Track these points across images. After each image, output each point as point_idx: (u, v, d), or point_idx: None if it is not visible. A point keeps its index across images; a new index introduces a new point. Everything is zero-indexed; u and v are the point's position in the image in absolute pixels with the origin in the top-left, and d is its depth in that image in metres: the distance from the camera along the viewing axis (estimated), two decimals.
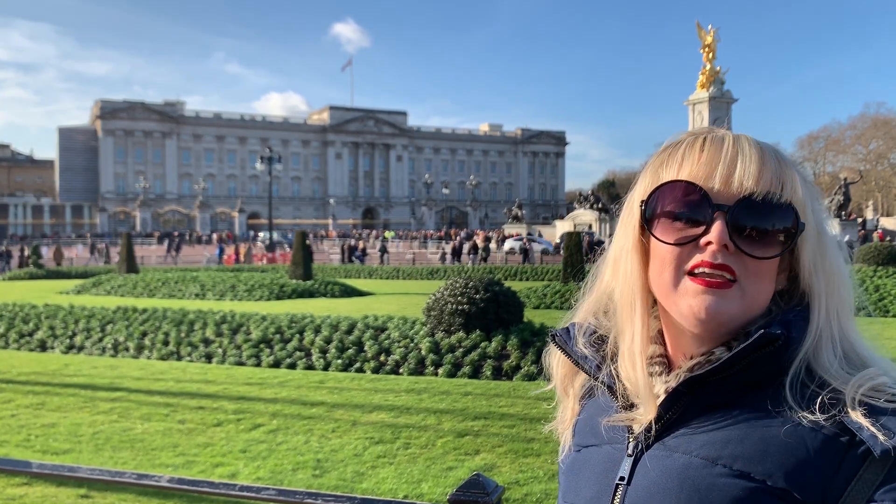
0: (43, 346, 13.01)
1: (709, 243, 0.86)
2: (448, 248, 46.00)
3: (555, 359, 1.09)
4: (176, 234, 79.03)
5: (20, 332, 13.81)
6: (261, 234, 78.51)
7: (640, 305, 0.95)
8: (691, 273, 0.88)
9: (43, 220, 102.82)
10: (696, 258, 0.87)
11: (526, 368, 9.76)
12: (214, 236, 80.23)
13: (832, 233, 0.92)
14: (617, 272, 0.98)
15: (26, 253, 42.17)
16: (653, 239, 0.91)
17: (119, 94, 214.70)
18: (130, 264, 30.04)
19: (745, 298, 0.87)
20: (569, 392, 1.09)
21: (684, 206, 0.88)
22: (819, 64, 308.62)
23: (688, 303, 0.87)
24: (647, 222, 0.92)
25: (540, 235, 58.28)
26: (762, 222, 0.86)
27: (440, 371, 10.04)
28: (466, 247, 45.90)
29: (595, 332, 1.02)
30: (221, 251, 48.22)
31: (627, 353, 0.95)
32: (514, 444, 6.67)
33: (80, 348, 12.68)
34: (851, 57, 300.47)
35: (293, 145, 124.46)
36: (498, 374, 9.86)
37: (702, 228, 0.87)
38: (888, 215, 71.49)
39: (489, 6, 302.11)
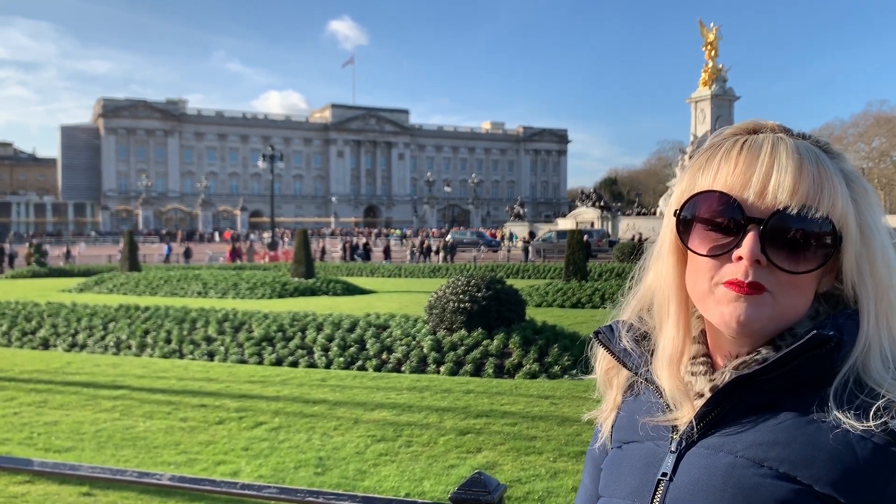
0: (45, 345, 13.02)
1: (740, 258, 0.85)
2: (415, 247, 46.16)
3: (599, 353, 1.09)
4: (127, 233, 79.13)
5: (23, 330, 13.82)
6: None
7: (674, 308, 0.94)
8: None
9: (45, 218, 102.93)
10: (729, 272, 0.86)
11: (528, 366, 9.75)
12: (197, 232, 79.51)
13: (885, 235, 0.89)
14: (658, 272, 0.97)
15: (7, 252, 40.76)
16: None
17: (120, 93, 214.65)
18: (133, 262, 30.06)
19: (776, 307, 0.86)
20: (612, 383, 1.08)
21: (718, 216, 0.87)
22: (821, 61, 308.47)
23: (720, 311, 0.87)
24: (680, 231, 0.91)
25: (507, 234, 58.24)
26: (795, 237, 0.84)
27: (442, 369, 10.04)
28: (436, 245, 46.29)
29: (639, 330, 1.02)
30: (169, 251, 47.76)
31: (661, 358, 0.95)
32: (516, 442, 6.66)
33: (83, 346, 12.68)
34: (854, 54, 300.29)
35: (295, 143, 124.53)
36: (500, 372, 9.85)
37: (734, 239, 0.86)
38: (891, 213, 71.37)
39: (490, 3, 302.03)
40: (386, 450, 6.49)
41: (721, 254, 0.87)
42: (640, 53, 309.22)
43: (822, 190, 0.85)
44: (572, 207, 68.95)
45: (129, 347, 12.30)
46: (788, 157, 0.85)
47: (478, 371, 9.90)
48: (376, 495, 4.08)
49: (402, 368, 10.26)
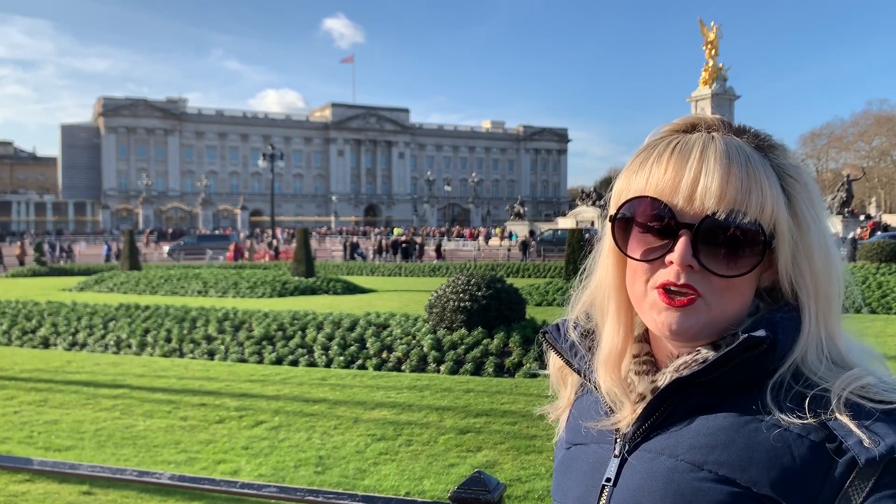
0: (46, 343, 13.02)
1: (672, 262, 0.86)
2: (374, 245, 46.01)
3: (550, 353, 1.10)
4: (67, 234, 79.20)
5: (23, 329, 13.82)
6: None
7: (613, 309, 0.95)
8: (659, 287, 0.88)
9: (46, 217, 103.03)
10: (662, 275, 0.87)
11: (528, 365, 9.75)
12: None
13: (825, 228, 0.89)
14: (599, 273, 0.98)
15: None
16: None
17: (118, 91, 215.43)
18: (133, 261, 30.07)
19: (711, 312, 0.86)
20: (567, 381, 1.09)
21: (650, 221, 0.88)
22: (822, 61, 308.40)
23: (653, 318, 0.88)
24: (616, 233, 0.92)
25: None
26: (725, 242, 0.84)
27: (442, 368, 10.04)
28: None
29: (587, 330, 1.02)
30: (109, 250, 47.18)
31: (599, 359, 0.96)
32: (516, 440, 6.66)
33: (83, 345, 12.69)
34: (854, 54, 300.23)
35: (295, 142, 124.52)
36: (500, 371, 9.85)
37: (668, 243, 0.87)
38: (891, 212, 71.33)
39: (488, 1, 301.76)
40: (386, 449, 6.49)
41: (655, 258, 0.88)
42: (640, 52, 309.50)
43: (749, 193, 0.85)
44: (573, 206, 68.97)
45: (130, 346, 12.30)
46: (716, 161, 0.85)
47: (478, 370, 9.90)
48: (376, 494, 4.08)
49: (403, 367, 10.26)
